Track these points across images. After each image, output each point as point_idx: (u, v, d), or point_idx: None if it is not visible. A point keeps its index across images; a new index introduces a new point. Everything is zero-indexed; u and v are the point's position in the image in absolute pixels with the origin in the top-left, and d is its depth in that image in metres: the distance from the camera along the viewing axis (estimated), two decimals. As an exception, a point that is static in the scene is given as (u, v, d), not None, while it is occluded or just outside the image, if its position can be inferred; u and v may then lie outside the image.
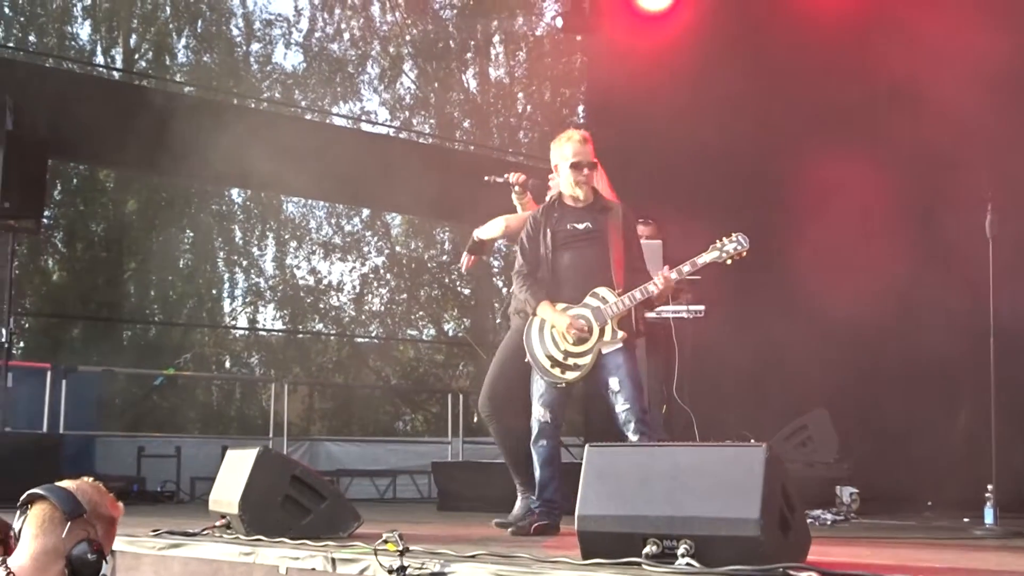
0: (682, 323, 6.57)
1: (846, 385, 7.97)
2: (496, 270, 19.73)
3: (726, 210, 7.53)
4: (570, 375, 5.00)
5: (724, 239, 4.97)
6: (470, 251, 5.56)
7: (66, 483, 2.75)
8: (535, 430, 5.11)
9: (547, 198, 5.39)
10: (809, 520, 4.54)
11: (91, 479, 2.82)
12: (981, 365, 5.84)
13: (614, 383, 4.92)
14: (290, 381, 13.58)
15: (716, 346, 7.53)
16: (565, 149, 5.16)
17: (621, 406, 4.91)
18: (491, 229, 5.51)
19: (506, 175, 5.68)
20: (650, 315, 6.06)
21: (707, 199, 8.17)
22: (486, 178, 5.69)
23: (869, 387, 7.98)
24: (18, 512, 2.73)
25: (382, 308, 21.03)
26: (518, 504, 5.50)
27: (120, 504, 2.82)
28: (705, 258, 4.95)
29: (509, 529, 5.28)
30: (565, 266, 5.05)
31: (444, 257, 21.32)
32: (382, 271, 20.94)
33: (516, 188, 5.69)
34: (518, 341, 5.21)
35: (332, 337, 20.81)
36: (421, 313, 21.30)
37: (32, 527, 2.66)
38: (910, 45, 7.20)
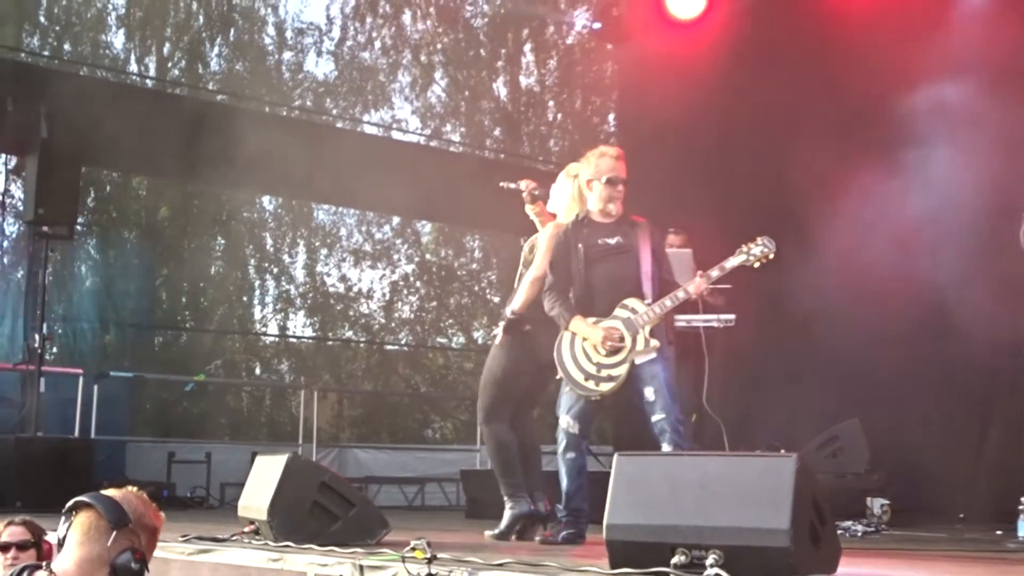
0: (712, 332, 6.58)
1: (877, 395, 7.94)
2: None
3: (756, 218, 7.53)
4: (605, 387, 5.01)
5: (750, 243, 5.01)
6: (507, 329, 5.48)
7: (111, 492, 2.78)
8: (563, 441, 5.11)
9: (548, 207, 5.47)
10: (839, 531, 4.52)
11: (135, 489, 2.85)
12: (1015, 376, 5.80)
13: (649, 393, 4.95)
14: (320, 388, 13.55)
15: (746, 355, 7.62)
16: (601, 164, 5.19)
17: (657, 416, 4.92)
18: (522, 298, 5.46)
19: (519, 182, 5.71)
20: (680, 324, 6.13)
21: (738, 207, 8.17)
22: (501, 184, 5.72)
23: (901, 397, 7.94)
24: (63, 518, 2.75)
25: (412, 316, 20.97)
26: (507, 514, 5.50)
27: (162, 514, 2.86)
28: (733, 262, 4.99)
29: (536, 538, 5.30)
30: (597, 281, 5.08)
31: (474, 265, 21.29)
32: (412, 279, 20.90)
33: (526, 195, 5.71)
34: (520, 355, 5.29)
35: (362, 344, 20.80)
36: (451, 321, 21.24)
37: (77, 534, 2.68)
38: (945, 50, 7.22)
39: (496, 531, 5.43)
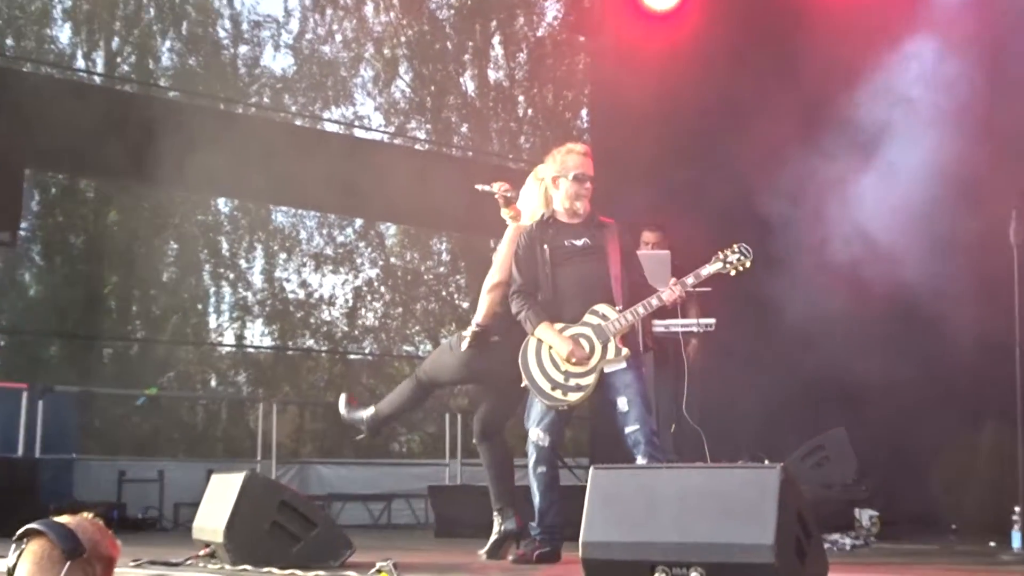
0: (691, 337, 6.75)
1: (865, 402, 7.93)
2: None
3: (734, 215, 7.65)
4: (572, 396, 5.03)
5: (727, 250, 5.08)
6: (472, 344, 5.46)
7: (66, 519, 2.73)
8: (533, 455, 5.12)
9: (517, 207, 5.49)
10: (827, 545, 4.60)
11: (91, 515, 2.80)
12: (1006, 380, 5.84)
13: (622, 403, 4.95)
14: (279, 400, 13.47)
15: (728, 361, 7.51)
16: (568, 161, 5.21)
17: (630, 427, 4.93)
18: (483, 307, 5.47)
19: (492, 184, 5.73)
20: (658, 329, 6.29)
21: (716, 204, 8.17)
22: (477, 187, 5.75)
23: (888, 404, 7.92)
24: (13, 546, 2.72)
25: (376, 323, 20.87)
26: (496, 529, 5.55)
27: (119, 543, 2.81)
28: (708, 269, 5.07)
29: (509, 557, 5.29)
30: (564, 284, 5.09)
31: (441, 269, 21.20)
32: (376, 284, 20.78)
33: (499, 198, 5.74)
34: (502, 361, 5.22)
35: (323, 354, 20.63)
36: (417, 328, 21.12)
37: (28, 563, 2.64)
38: (920, 50, 7.32)
39: (486, 549, 5.49)
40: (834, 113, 7.69)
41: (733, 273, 5.08)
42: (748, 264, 5.07)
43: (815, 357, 7.76)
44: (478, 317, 5.47)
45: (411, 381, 5.71)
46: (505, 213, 5.77)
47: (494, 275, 5.44)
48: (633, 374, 5.00)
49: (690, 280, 5.02)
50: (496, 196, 5.74)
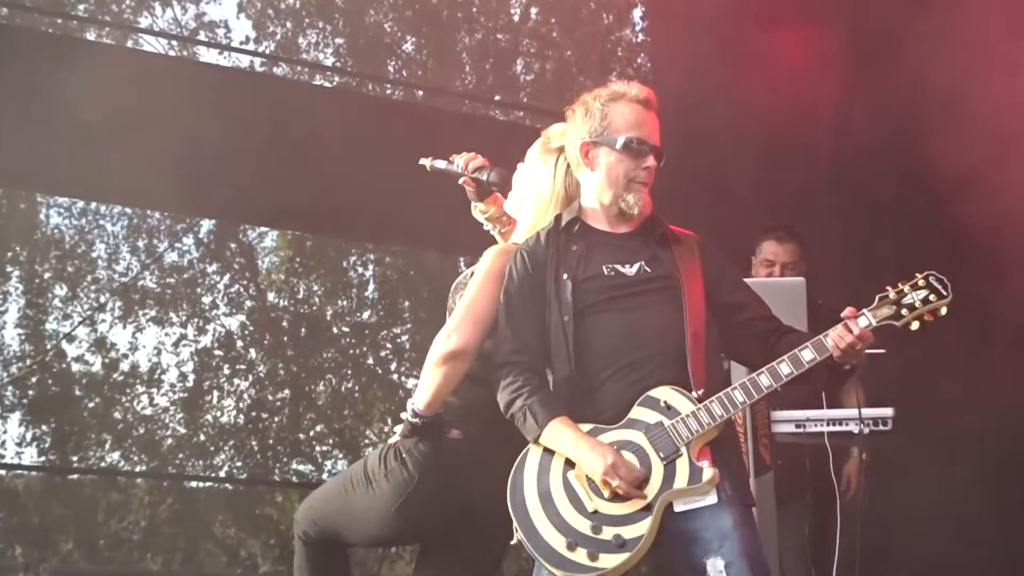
0: (849, 444, 6.16)
1: None
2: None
3: (888, 217, 7.73)
4: (608, 561, 4.35)
5: (904, 284, 4.51)
6: (407, 451, 4.80)
7: None
8: None
9: (505, 204, 5.10)
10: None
11: None
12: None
13: (712, 568, 4.29)
14: (54, 573, 10.42)
15: (918, 486, 7.19)
16: (616, 114, 4.62)
17: (729, 612, 4.59)
18: (432, 385, 4.72)
19: (452, 158, 5.21)
20: (782, 429, 5.90)
21: (853, 190, 7.94)
22: (422, 161, 5.27)
23: None
24: None
25: (236, 421, 15.94)
26: None
27: None
28: (878, 316, 4.46)
29: None
30: (601, 348, 4.48)
31: (367, 313, 17.75)
32: (240, 342, 16.46)
33: (465, 183, 5.12)
34: (431, 492, 4.67)
35: (139, 479, 16.33)
36: (319, 428, 16.69)
37: None
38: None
39: None
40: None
41: (915, 326, 4.48)
42: (944, 307, 4.46)
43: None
44: (418, 401, 4.71)
45: (298, 549, 5.01)
46: (483, 214, 5.21)
47: (454, 333, 4.66)
48: (733, 516, 4.32)
49: (864, 322, 4.39)
50: (461, 179, 5.13)
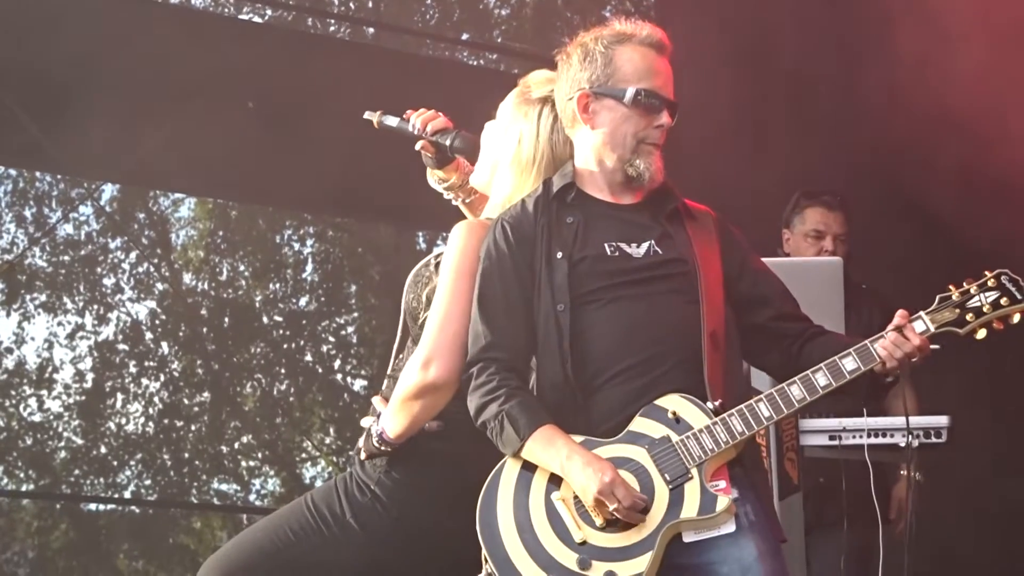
0: (897, 457, 6.18)
1: None
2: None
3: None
4: None
5: (971, 284, 4.45)
6: (368, 456, 4.76)
7: None
8: None
9: (476, 179, 5.03)
10: None
11: None
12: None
13: None
14: None
15: (977, 511, 7.56)
16: (622, 60, 4.55)
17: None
18: (401, 413, 4.66)
19: (407, 115, 5.18)
20: (813, 441, 5.96)
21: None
22: (367, 116, 5.29)
23: None
24: None
25: (144, 429, 16.50)
26: None
27: None
28: (932, 321, 4.39)
29: None
30: (602, 344, 4.41)
31: (304, 299, 17.82)
32: (149, 334, 17.19)
33: (421, 147, 5.11)
34: (393, 529, 4.67)
35: (27, 501, 16.73)
36: (247, 438, 17.65)
37: None
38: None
39: None
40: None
41: (981, 334, 4.42)
42: (1018, 313, 4.40)
43: None
44: (388, 429, 4.66)
45: None
46: (441, 183, 5.17)
47: (433, 362, 4.58)
48: (758, 545, 4.23)
49: (920, 327, 4.35)
50: (417, 142, 5.09)
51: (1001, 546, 7.88)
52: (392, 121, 5.15)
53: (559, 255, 4.46)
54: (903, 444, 5.83)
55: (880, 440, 5.74)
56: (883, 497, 5.83)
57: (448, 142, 5.03)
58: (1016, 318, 4.42)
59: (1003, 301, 4.40)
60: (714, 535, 4.26)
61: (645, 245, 4.52)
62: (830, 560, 6.03)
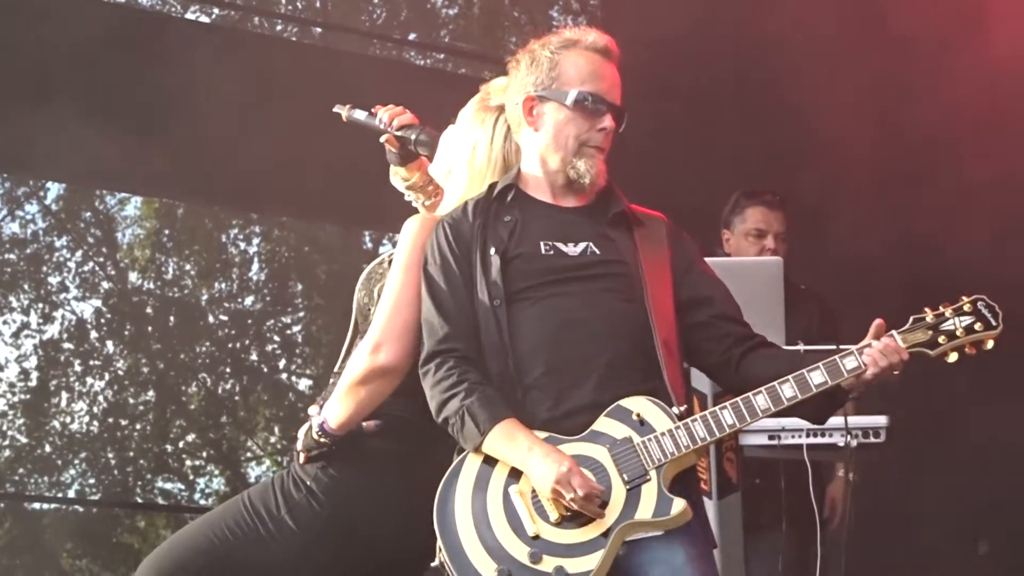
0: (835, 457, 6.19)
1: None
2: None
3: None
4: None
5: (947, 308, 4.44)
6: (307, 452, 4.74)
7: None
8: None
9: (431, 171, 5.08)
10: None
11: None
12: None
13: None
14: None
15: (915, 510, 7.51)
16: (569, 65, 4.57)
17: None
18: (348, 402, 4.68)
19: (376, 111, 5.23)
20: (752, 441, 5.87)
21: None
22: (336, 109, 5.37)
23: None
24: None
25: (89, 428, 16.48)
26: None
27: None
28: (903, 340, 4.36)
29: None
30: (530, 341, 4.41)
31: (250, 299, 17.75)
32: (94, 333, 17.03)
33: (386, 140, 5.11)
34: (335, 525, 4.64)
35: None
36: (191, 435, 17.31)
37: None
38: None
39: None
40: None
41: (953, 357, 4.41)
42: (991, 340, 4.40)
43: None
44: (331, 418, 4.65)
45: None
46: (404, 182, 5.19)
47: (383, 346, 4.59)
48: (685, 550, 4.24)
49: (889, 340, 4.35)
50: (382, 136, 5.12)
51: (938, 546, 7.90)
52: (360, 115, 5.20)
53: (492, 251, 4.46)
54: (842, 444, 5.81)
55: (819, 440, 5.70)
56: (819, 497, 5.87)
57: (413, 137, 5.05)
58: (990, 344, 4.43)
59: (977, 326, 4.40)
60: (645, 535, 4.27)
61: (582, 245, 4.51)
62: (768, 561, 6.01)
